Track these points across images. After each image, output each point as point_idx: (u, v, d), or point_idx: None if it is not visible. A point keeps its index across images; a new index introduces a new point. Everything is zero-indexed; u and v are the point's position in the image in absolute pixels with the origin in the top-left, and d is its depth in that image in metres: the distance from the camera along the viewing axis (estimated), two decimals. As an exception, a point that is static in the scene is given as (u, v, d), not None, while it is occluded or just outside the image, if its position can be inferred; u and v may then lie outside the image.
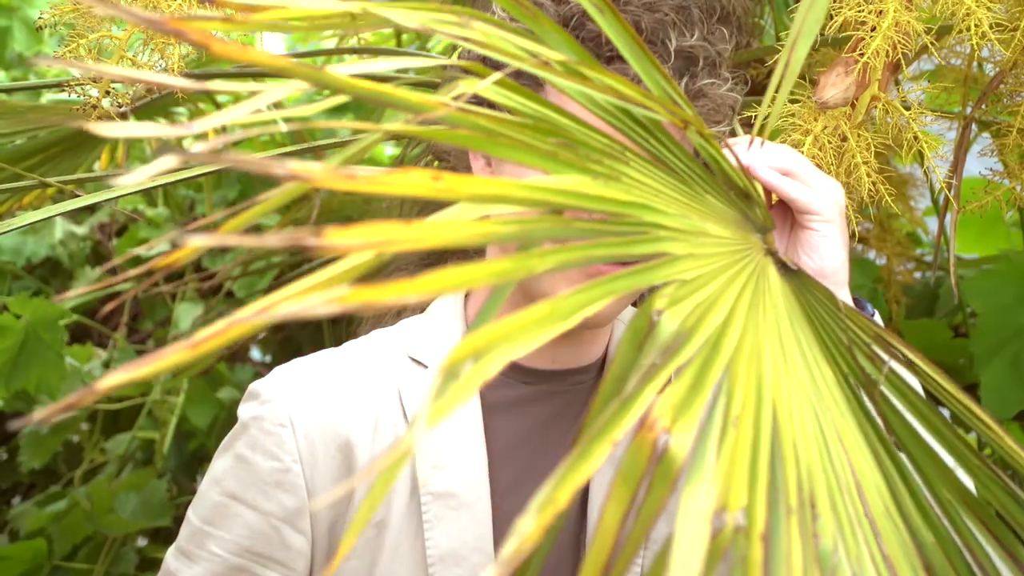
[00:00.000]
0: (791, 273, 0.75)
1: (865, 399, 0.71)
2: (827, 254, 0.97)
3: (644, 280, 0.65)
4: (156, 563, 2.29)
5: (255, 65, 0.55)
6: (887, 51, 1.10)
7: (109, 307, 0.60)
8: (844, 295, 0.98)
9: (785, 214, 1.00)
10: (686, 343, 0.64)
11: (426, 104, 0.59)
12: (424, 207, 1.87)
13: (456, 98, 0.61)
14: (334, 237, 0.51)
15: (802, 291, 0.75)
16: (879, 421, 0.70)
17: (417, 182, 0.55)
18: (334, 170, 0.52)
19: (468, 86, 0.62)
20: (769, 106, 1.17)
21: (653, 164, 0.70)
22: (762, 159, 0.96)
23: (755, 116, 1.17)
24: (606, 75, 0.69)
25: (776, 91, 0.87)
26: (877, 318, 1.01)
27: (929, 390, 0.75)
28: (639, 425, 0.58)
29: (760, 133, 0.96)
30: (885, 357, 0.71)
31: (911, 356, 0.71)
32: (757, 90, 1.59)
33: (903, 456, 0.70)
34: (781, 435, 0.65)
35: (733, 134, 1.10)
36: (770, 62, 1.53)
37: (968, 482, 0.71)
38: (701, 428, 0.62)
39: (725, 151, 0.95)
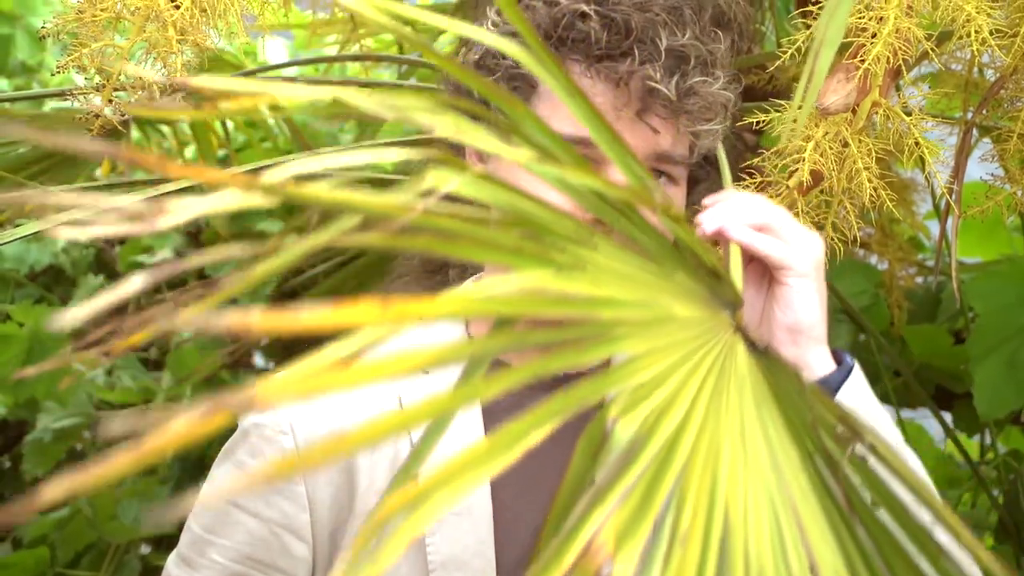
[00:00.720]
0: (759, 350, 0.74)
1: (830, 479, 0.69)
2: (801, 309, 0.95)
3: (598, 391, 0.62)
4: (159, 570, 2.29)
5: (201, 181, 0.53)
6: (888, 57, 1.11)
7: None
8: (821, 351, 0.97)
9: (764, 269, 0.98)
10: (640, 453, 0.63)
11: (388, 210, 0.56)
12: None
13: (425, 193, 0.57)
14: (266, 391, 0.49)
15: (770, 369, 0.73)
16: (843, 502, 0.69)
17: (366, 313, 0.52)
18: (275, 315, 0.49)
19: (436, 180, 0.58)
20: (781, 113, 1.17)
21: (622, 245, 0.68)
22: (736, 218, 0.94)
23: (758, 122, 1.17)
24: (580, 162, 0.67)
25: (802, 100, 0.86)
26: (857, 369, 0.99)
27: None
28: (585, 549, 0.57)
29: (771, 141, 0.96)
30: (851, 437, 0.69)
31: (873, 440, 0.70)
32: (759, 96, 1.59)
33: (865, 534, 0.69)
34: (732, 543, 0.64)
35: (716, 167, 1.10)
36: (771, 68, 1.54)
37: (926, 566, 0.70)
38: (647, 550, 0.60)
39: (703, 211, 0.95)
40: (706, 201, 0.97)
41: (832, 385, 0.96)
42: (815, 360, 0.96)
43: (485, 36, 0.70)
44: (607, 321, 0.64)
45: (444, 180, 0.59)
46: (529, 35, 0.68)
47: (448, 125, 0.60)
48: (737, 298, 0.75)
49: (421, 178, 0.58)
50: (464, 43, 1.16)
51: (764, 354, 0.73)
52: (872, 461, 0.69)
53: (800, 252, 0.95)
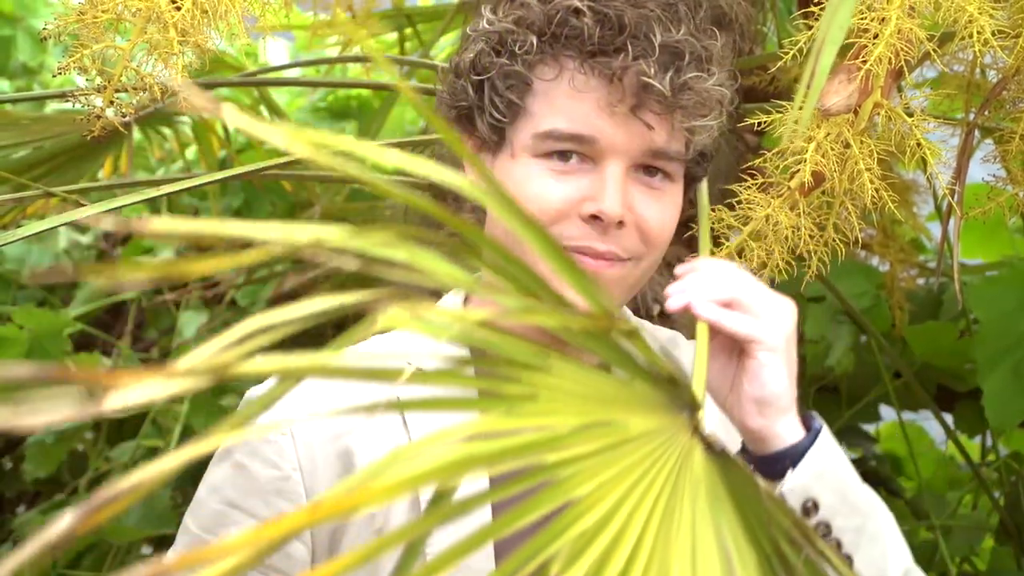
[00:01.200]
0: (716, 452, 0.73)
1: None
2: (769, 382, 0.94)
3: (543, 552, 0.62)
4: (161, 572, 2.28)
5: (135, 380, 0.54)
6: (890, 58, 1.11)
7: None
8: (789, 420, 0.96)
9: (733, 340, 0.97)
10: None
11: (334, 374, 0.57)
12: (425, 217, 1.87)
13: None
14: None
15: (727, 470, 0.72)
16: None
17: (300, 519, 0.54)
18: (193, 556, 0.51)
19: (387, 323, 0.58)
20: (783, 114, 1.17)
21: (578, 360, 0.67)
22: (703, 293, 0.94)
23: (759, 123, 1.17)
24: (545, 293, 0.66)
25: (804, 100, 0.86)
26: (824, 432, 0.98)
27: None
28: None
29: (773, 142, 0.96)
30: (804, 541, 0.69)
31: (822, 547, 0.69)
32: (761, 97, 1.59)
33: None
34: None
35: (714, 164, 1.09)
36: (773, 69, 1.54)
37: None
38: None
39: (673, 282, 0.94)
40: (677, 271, 0.96)
41: (800, 451, 0.95)
42: (783, 429, 0.95)
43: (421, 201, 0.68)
44: (552, 464, 0.63)
45: (394, 322, 0.58)
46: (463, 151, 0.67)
47: (403, 259, 0.59)
48: (695, 401, 0.74)
49: (371, 322, 0.58)
50: (461, 43, 1.16)
51: (721, 455, 0.73)
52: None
53: (769, 326, 0.94)
